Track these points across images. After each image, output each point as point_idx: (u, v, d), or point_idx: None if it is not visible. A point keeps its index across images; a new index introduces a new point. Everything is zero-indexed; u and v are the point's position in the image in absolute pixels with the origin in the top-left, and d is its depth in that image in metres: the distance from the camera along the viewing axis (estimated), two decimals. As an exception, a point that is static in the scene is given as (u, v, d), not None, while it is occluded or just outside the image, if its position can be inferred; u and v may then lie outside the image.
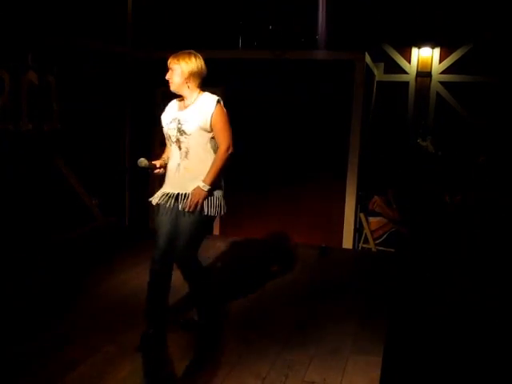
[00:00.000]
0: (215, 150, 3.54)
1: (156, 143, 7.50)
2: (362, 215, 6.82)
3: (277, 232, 6.77)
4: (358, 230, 6.98)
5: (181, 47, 5.20)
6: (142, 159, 3.51)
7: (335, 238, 6.60)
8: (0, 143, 4.85)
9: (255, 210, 6.92)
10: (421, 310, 4.99)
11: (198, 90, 3.60)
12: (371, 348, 3.60)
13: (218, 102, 3.55)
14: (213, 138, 3.52)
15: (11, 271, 4.77)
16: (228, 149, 3.51)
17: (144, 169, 3.58)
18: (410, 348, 4.19)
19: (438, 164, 8.31)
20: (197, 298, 3.79)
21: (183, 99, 3.63)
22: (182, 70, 3.51)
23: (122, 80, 6.85)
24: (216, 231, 7.15)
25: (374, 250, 6.77)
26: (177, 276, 3.66)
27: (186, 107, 3.56)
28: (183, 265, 3.55)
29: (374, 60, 7.79)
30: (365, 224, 6.79)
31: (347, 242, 6.71)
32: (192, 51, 3.62)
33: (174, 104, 3.70)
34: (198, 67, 3.57)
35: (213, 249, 5.89)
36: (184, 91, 3.56)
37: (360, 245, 6.98)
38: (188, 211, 3.41)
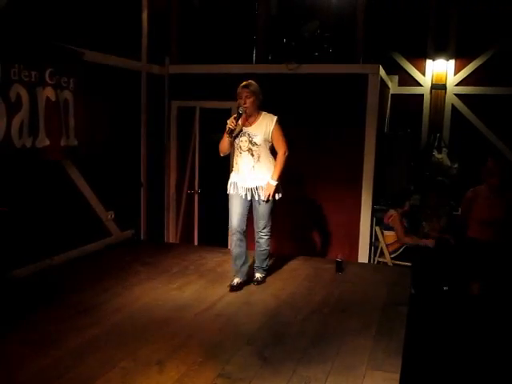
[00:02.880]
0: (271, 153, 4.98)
1: (171, 156, 7.56)
2: (377, 228, 6.78)
3: (291, 246, 6.75)
4: (374, 243, 6.94)
5: (195, 62, 5.25)
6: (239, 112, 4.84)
7: (351, 251, 6.58)
8: (18, 159, 4.90)
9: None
10: (438, 325, 4.94)
11: (259, 111, 4.96)
12: (388, 363, 3.55)
13: (277, 121, 4.93)
14: (272, 145, 4.94)
15: (26, 285, 4.80)
16: (285, 153, 4.93)
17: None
18: (427, 364, 4.15)
19: (453, 177, 8.25)
20: (263, 261, 5.28)
21: (245, 117, 4.89)
22: (251, 96, 4.85)
23: (137, 94, 6.91)
24: (230, 245, 7.14)
25: (390, 263, 6.71)
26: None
27: (250, 124, 4.92)
28: (265, 235, 5.13)
29: (388, 73, 7.79)
30: (380, 237, 6.75)
31: (363, 256, 6.68)
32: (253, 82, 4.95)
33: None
34: (260, 93, 4.95)
35: (227, 262, 5.88)
36: (253, 112, 4.90)
37: (376, 258, 6.93)
38: (264, 200, 4.92)
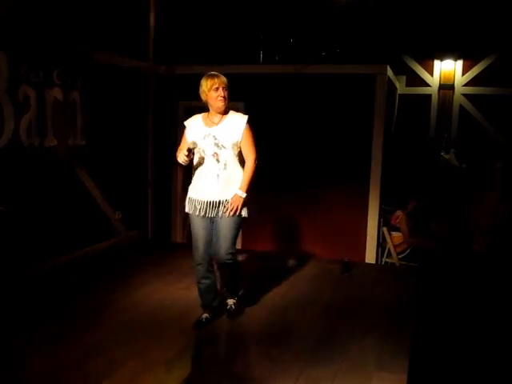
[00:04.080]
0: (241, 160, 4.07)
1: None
2: (384, 229, 6.76)
3: (299, 246, 6.75)
4: (381, 244, 6.92)
5: (202, 62, 5.25)
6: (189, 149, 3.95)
7: (358, 252, 6.56)
8: (26, 158, 4.92)
9: (277, 224, 6.91)
10: (445, 326, 4.92)
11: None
12: (396, 364, 3.54)
13: (248, 121, 4.05)
14: (240, 151, 4.03)
15: (34, 285, 4.82)
16: (255, 160, 4.07)
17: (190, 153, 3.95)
18: (435, 364, 4.13)
19: (461, 177, 8.21)
20: (235, 287, 4.34)
21: (207, 116, 4.07)
22: (227, 89, 4.01)
23: (144, 94, 6.93)
24: (238, 245, 7.15)
25: (397, 264, 6.69)
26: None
27: (216, 123, 4.02)
28: (229, 260, 4.05)
29: (395, 73, 7.76)
30: (388, 238, 6.73)
31: (370, 257, 6.66)
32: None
33: (198, 121, 4.11)
34: None
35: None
36: (224, 108, 4.03)
37: (383, 259, 6.92)
38: (228, 216, 3.95)
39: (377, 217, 6.61)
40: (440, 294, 5.82)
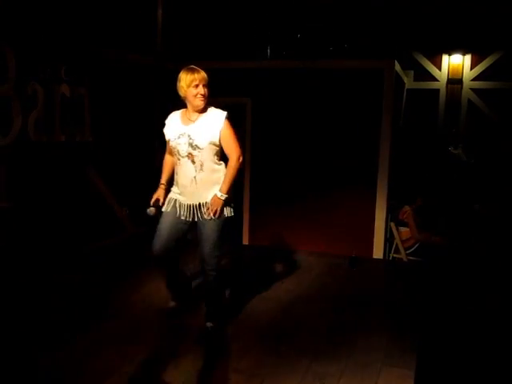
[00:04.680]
0: (222, 159, 3.81)
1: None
2: (392, 224, 6.74)
3: (307, 242, 6.74)
4: (389, 239, 6.91)
5: (210, 58, 5.20)
6: (152, 209, 3.87)
7: (365, 247, 6.54)
8: (34, 154, 4.94)
9: (284, 219, 6.91)
10: (454, 322, 4.90)
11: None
12: (403, 360, 3.54)
13: (227, 117, 3.75)
14: (221, 149, 3.76)
15: (42, 281, 4.84)
16: (239, 159, 3.75)
17: (157, 214, 3.88)
18: (443, 361, 4.12)
19: (470, 172, 8.18)
20: (215, 309, 3.98)
21: (185, 113, 3.84)
22: (207, 86, 3.75)
23: (151, 91, 6.93)
24: (245, 241, 7.16)
25: (405, 260, 6.68)
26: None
27: (193, 121, 3.75)
28: (212, 267, 3.80)
29: (403, 68, 7.72)
30: (395, 234, 6.71)
31: (378, 252, 6.64)
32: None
33: (175, 118, 3.90)
34: None
35: (242, 258, 5.90)
36: (204, 106, 3.76)
37: (391, 255, 6.90)
38: (209, 219, 3.71)
39: (384, 212, 6.59)
40: (447, 289, 5.80)
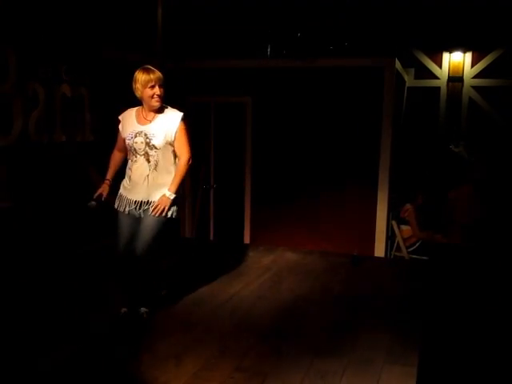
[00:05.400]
0: (175, 160, 3.91)
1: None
2: (393, 223, 6.74)
3: (308, 241, 6.74)
4: (390, 237, 6.90)
5: (209, 57, 5.16)
6: (93, 203, 4.04)
7: (367, 246, 6.55)
8: (35, 154, 4.94)
9: (286, 218, 6.91)
10: (456, 319, 4.90)
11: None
12: (406, 357, 3.54)
13: (183, 118, 3.87)
14: (174, 150, 3.86)
15: (42, 279, 4.84)
16: (189, 160, 3.88)
17: (98, 208, 4.02)
18: (445, 358, 4.12)
19: (471, 170, 8.16)
20: (146, 295, 4.04)
21: (141, 111, 3.91)
22: (163, 86, 3.85)
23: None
24: (246, 240, 7.17)
25: (406, 258, 6.68)
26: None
27: (149, 121, 3.84)
28: (145, 260, 3.85)
29: (404, 65, 7.73)
30: (397, 232, 6.71)
31: (379, 250, 6.64)
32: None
33: (132, 116, 3.95)
34: None
35: (243, 258, 5.89)
36: (159, 105, 3.84)
37: (392, 253, 6.90)
38: (153, 216, 3.80)
39: (386, 210, 6.60)
40: (449, 287, 5.80)
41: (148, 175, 3.82)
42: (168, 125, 3.81)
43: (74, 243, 5.54)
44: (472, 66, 8.61)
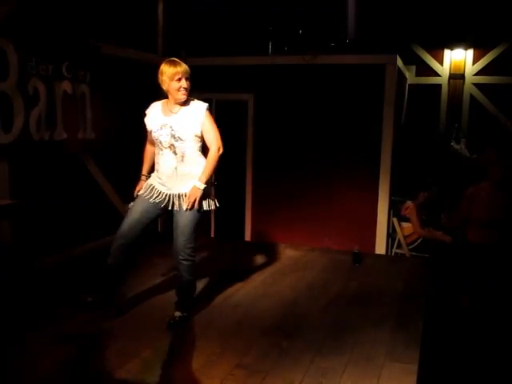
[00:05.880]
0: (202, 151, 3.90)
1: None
2: (394, 220, 6.74)
3: (309, 237, 6.74)
4: (391, 235, 6.90)
5: (211, 54, 5.13)
6: (131, 203, 4.03)
7: (368, 243, 6.55)
8: (36, 152, 4.94)
9: (287, 215, 6.91)
10: (457, 317, 4.90)
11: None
12: (406, 355, 3.55)
13: (208, 109, 3.86)
14: (202, 142, 3.86)
15: (44, 277, 4.85)
16: (219, 150, 3.84)
17: None
18: (446, 355, 4.12)
19: (472, 167, 8.15)
20: (186, 300, 4.03)
21: (166, 104, 3.91)
22: (189, 79, 3.80)
23: (153, 87, 6.90)
24: (247, 237, 7.17)
25: (407, 255, 6.68)
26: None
27: (175, 113, 3.83)
28: (185, 256, 3.86)
29: (405, 63, 7.71)
30: (398, 229, 6.71)
31: (380, 248, 6.64)
32: None
33: (156, 109, 3.97)
34: None
35: (244, 255, 5.90)
36: (185, 98, 3.82)
37: (393, 250, 6.90)
38: (187, 209, 3.77)
39: (387, 207, 6.59)
40: (450, 284, 5.79)
41: (176, 167, 3.81)
42: (193, 116, 3.80)
43: (74, 240, 5.54)
44: (473, 63, 8.59)
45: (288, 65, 6.80)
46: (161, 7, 6.96)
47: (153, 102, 6.94)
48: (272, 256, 5.90)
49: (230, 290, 4.72)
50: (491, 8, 8.16)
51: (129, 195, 6.35)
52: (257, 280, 5.06)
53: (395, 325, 4.05)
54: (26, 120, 4.76)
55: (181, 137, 3.76)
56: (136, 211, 3.95)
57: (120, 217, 6.32)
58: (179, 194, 3.83)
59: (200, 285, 4.83)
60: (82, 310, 4.00)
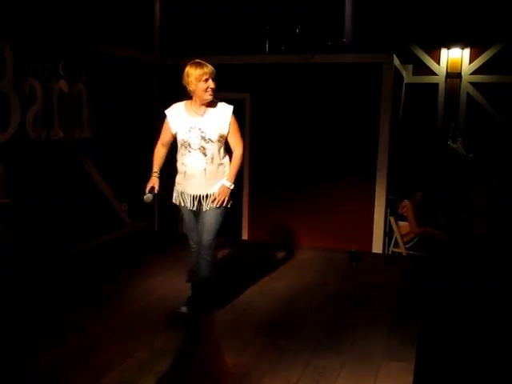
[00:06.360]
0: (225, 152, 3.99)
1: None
2: (391, 219, 6.75)
3: (306, 236, 6.74)
4: (388, 233, 6.91)
5: (208, 53, 5.11)
6: (149, 195, 3.95)
7: (365, 242, 6.55)
8: (33, 151, 4.93)
9: (284, 214, 6.91)
10: (453, 316, 4.91)
11: None
12: (403, 354, 3.55)
13: (233, 111, 3.92)
14: (225, 143, 3.95)
15: (44, 275, 4.84)
16: (243, 151, 3.99)
17: (154, 200, 4.02)
18: (442, 354, 4.13)
19: (469, 166, 8.17)
20: (201, 288, 4.07)
21: (190, 106, 3.91)
22: (215, 79, 3.83)
23: (150, 86, 6.92)
24: (244, 236, 7.16)
25: (404, 254, 6.68)
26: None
27: (201, 114, 3.86)
28: (209, 252, 3.96)
29: (402, 62, 7.71)
30: (395, 228, 6.72)
31: (377, 246, 6.65)
32: None
33: (180, 110, 3.95)
34: None
35: (242, 254, 5.90)
36: (212, 99, 3.85)
37: (390, 249, 6.90)
38: (214, 208, 3.89)
39: (383, 206, 6.60)
40: (447, 283, 5.81)
41: (205, 168, 3.87)
42: (221, 118, 3.87)
43: (71, 239, 5.53)
44: (470, 62, 8.61)
45: (285, 64, 6.80)
46: (158, 6, 6.95)
47: (149, 100, 6.99)
48: (269, 255, 5.89)
49: (227, 289, 4.72)
50: (488, 7, 8.17)
51: (125, 194, 6.40)
52: (254, 278, 5.05)
53: (392, 324, 4.05)
54: (23, 119, 4.75)
55: (211, 138, 3.83)
56: (189, 222, 4.08)
57: (116, 215, 6.36)
58: (207, 194, 3.91)
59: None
60: (178, 323, 3.93)
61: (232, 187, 3.93)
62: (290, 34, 7.43)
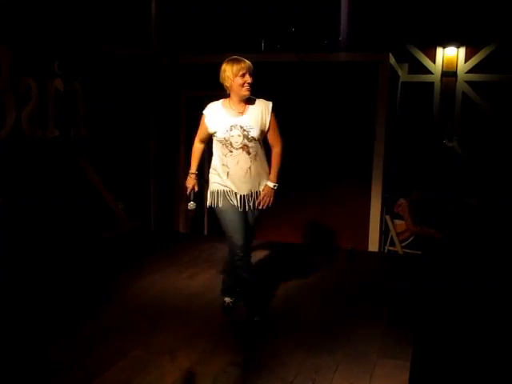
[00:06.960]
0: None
1: (181, 146, 7.56)
2: (387, 217, 6.76)
3: (302, 235, 6.75)
4: (384, 232, 6.92)
5: (204, 51, 5.11)
6: (192, 204, 4.04)
7: (361, 240, 6.56)
8: (28, 150, 4.92)
9: (279, 212, 6.90)
10: (449, 314, 4.92)
11: None
12: (399, 352, 3.55)
13: (273, 108, 3.86)
14: (262, 139, 3.86)
15: (39, 274, 4.83)
16: (283, 148, 3.91)
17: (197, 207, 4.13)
18: (438, 352, 4.14)
19: (465, 165, 8.19)
20: (252, 295, 4.01)
21: (228, 104, 3.81)
22: (253, 75, 3.76)
23: (146, 84, 6.91)
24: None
25: (400, 252, 6.70)
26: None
27: (241, 113, 3.77)
28: (248, 254, 3.93)
29: (398, 60, 7.72)
30: (391, 226, 6.73)
31: (373, 245, 6.66)
32: None
33: (218, 109, 3.83)
34: None
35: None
36: (249, 94, 3.77)
37: (386, 247, 6.92)
38: (262, 208, 3.83)
39: (379, 205, 6.61)
40: (442, 281, 5.82)
41: (250, 167, 3.78)
42: (261, 115, 3.79)
43: (67, 238, 5.52)
44: (466, 60, 8.62)
45: (281, 62, 6.79)
46: (154, 4, 6.93)
47: (146, 98, 6.98)
48: (265, 254, 5.89)
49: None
50: (483, 6, 8.18)
51: (122, 193, 6.40)
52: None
53: (387, 322, 4.06)
54: (18, 117, 4.75)
55: (254, 136, 3.74)
56: (235, 221, 3.80)
57: (112, 214, 6.36)
58: (251, 193, 3.83)
59: (191, 282, 4.84)
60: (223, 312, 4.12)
61: (276, 187, 3.84)
62: (285, 32, 7.45)
